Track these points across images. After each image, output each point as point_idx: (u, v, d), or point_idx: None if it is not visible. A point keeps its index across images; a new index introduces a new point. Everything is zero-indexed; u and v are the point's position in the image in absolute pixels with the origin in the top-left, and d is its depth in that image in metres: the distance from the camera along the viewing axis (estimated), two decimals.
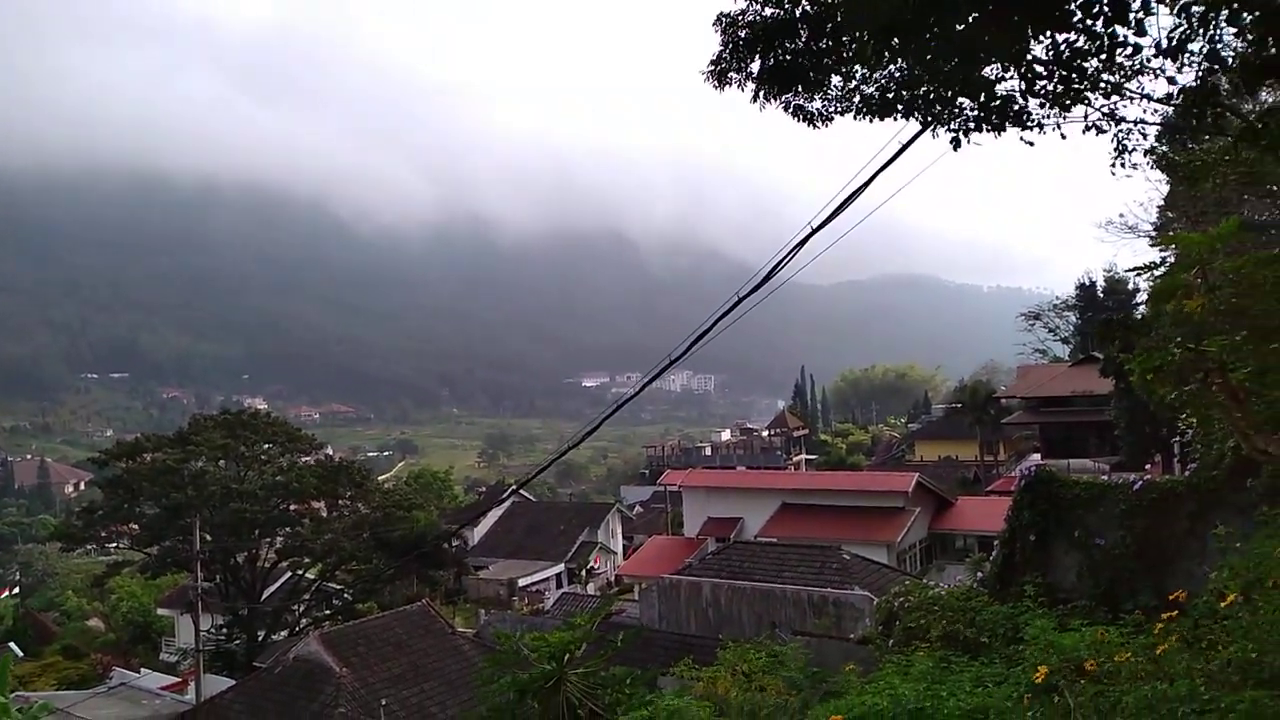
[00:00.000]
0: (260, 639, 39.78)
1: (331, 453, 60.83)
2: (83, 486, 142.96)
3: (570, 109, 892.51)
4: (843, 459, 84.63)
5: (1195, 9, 3.88)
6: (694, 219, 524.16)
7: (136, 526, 40.04)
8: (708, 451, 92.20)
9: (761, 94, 7.60)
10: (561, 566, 52.95)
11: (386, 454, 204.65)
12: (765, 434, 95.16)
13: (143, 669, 39.73)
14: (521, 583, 49.86)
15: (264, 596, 41.27)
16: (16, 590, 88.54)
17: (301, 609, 41.87)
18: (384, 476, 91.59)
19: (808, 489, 43.54)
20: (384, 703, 20.86)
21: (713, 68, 7.61)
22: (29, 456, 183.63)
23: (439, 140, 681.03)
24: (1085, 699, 5.25)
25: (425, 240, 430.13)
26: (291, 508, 40.75)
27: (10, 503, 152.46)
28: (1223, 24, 3.94)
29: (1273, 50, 3.70)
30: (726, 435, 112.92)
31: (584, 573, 52.45)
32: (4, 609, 69.73)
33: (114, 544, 43.95)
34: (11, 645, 45.03)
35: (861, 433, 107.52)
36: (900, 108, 6.87)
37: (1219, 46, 4.00)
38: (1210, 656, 5.79)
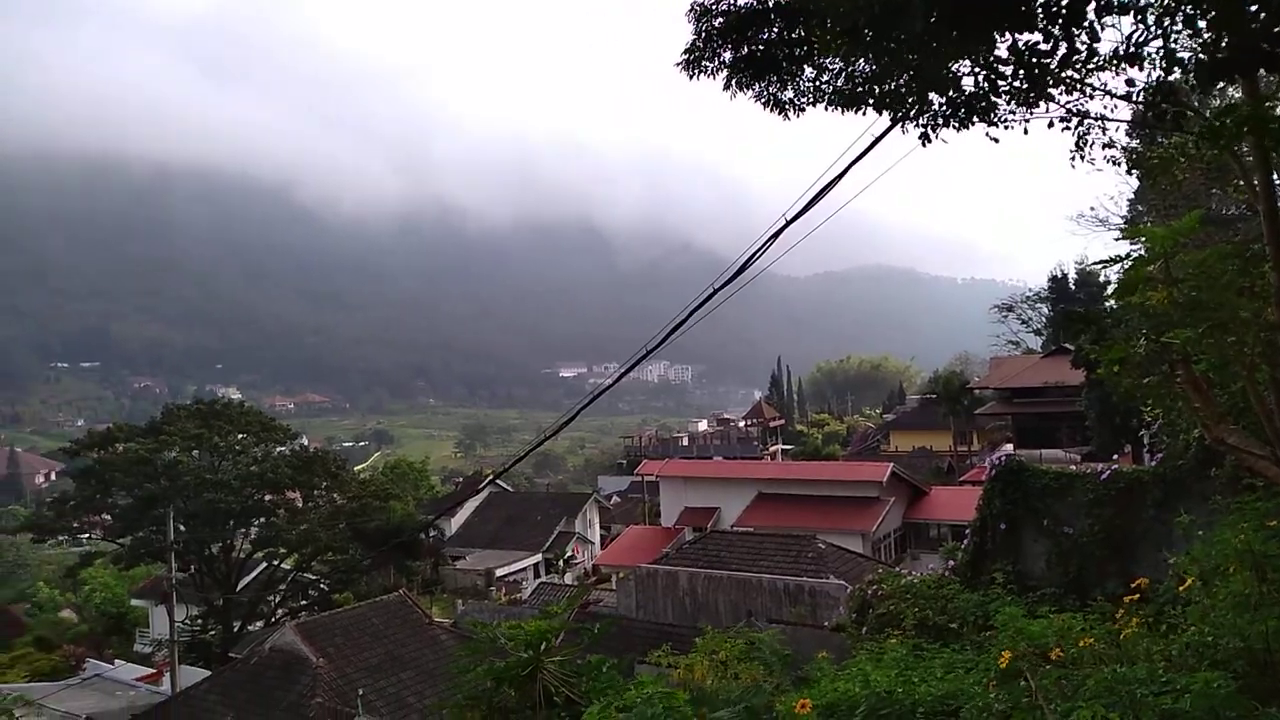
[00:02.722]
0: (236, 630, 39.66)
1: (307, 443, 60.53)
2: (53, 477, 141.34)
3: (531, 101, 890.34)
4: (818, 449, 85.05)
5: (1150, 14, 3.99)
6: (662, 210, 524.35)
7: (109, 517, 39.76)
8: (685, 442, 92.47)
9: (733, 83, 7.64)
10: (539, 556, 52.98)
11: (362, 444, 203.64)
12: (742, 424, 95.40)
13: (117, 660, 39.55)
14: (499, 573, 49.85)
15: (239, 587, 41.11)
16: None
17: (277, 599, 41.82)
18: (360, 467, 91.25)
19: (784, 479, 43.84)
20: (361, 692, 20.84)
21: (686, 57, 7.64)
22: None
23: (399, 128, 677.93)
24: (1049, 682, 5.38)
25: (392, 228, 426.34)
26: (267, 498, 40.63)
27: None
28: (1178, 27, 4.06)
29: (1225, 52, 3.82)
30: (704, 426, 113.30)
31: (561, 562, 52.53)
32: None
33: (86, 535, 43.66)
34: None
35: (837, 423, 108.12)
36: (870, 101, 6.94)
37: (1175, 48, 4.11)
38: (1170, 641, 5.94)
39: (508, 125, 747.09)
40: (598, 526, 59.55)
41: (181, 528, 36.03)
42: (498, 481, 57.54)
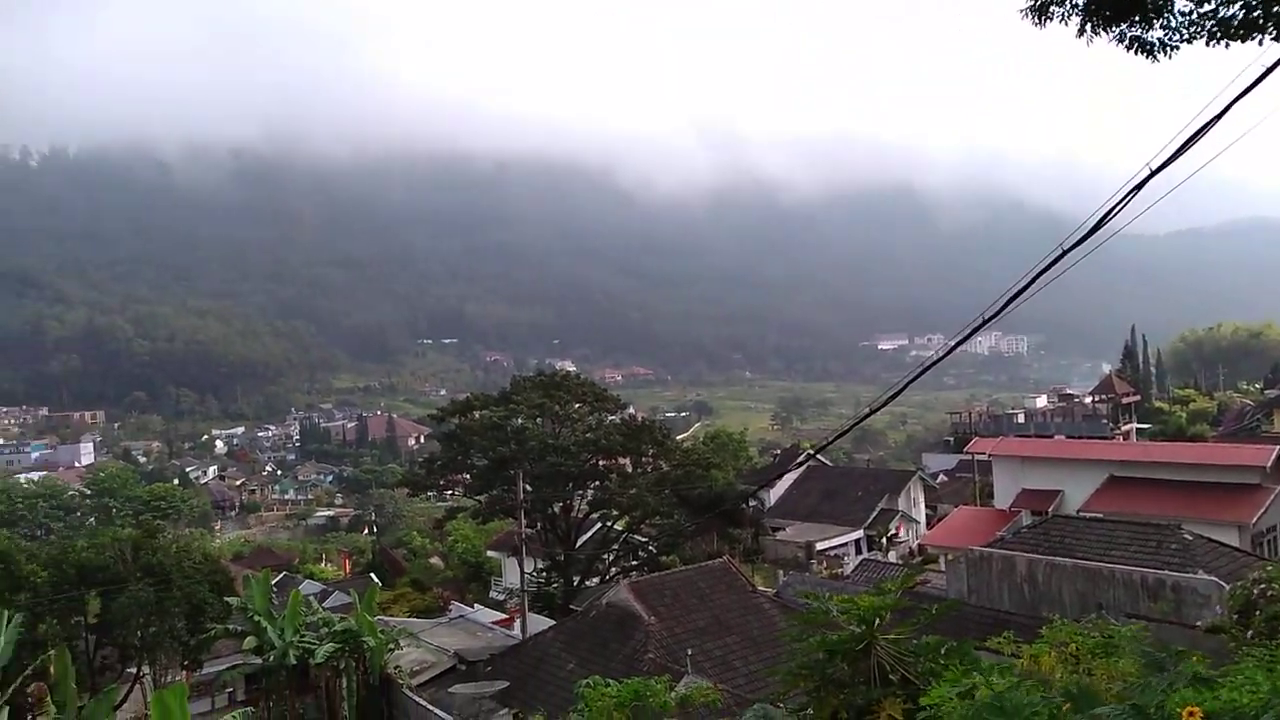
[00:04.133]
0: (575, 584, 42.56)
1: (634, 412, 63.47)
2: (422, 440, 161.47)
3: (837, 72, 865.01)
4: (1182, 428, 76.15)
5: None
6: (987, 170, 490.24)
7: (468, 476, 43.67)
8: (1020, 418, 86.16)
9: (1089, 27, 6.97)
10: (860, 533, 52.15)
11: (683, 415, 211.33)
12: (1088, 400, 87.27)
13: (476, 604, 44.17)
14: (819, 546, 49.73)
15: (578, 545, 43.92)
16: (373, 529, 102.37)
17: (611, 558, 44.19)
18: (682, 436, 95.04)
19: (1140, 461, 39.48)
20: (690, 653, 21.67)
21: (1033, 1, 7.07)
22: (379, 413, 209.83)
23: (709, 109, 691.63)
24: None
25: (706, 205, 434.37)
26: (600, 463, 42.64)
27: (365, 453, 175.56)
28: None
29: None
30: (1042, 401, 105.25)
31: (884, 540, 51.30)
32: (365, 545, 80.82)
33: (450, 491, 48.55)
34: (372, 576, 51.94)
35: (1206, 400, 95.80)
36: (1272, 26, 6.03)
37: None
38: None
39: (814, 97, 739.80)
40: (923, 505, 57.44)
41: (528, 488, 38.93)
42: (816, 455, 57.31)
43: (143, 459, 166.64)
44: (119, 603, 27.80)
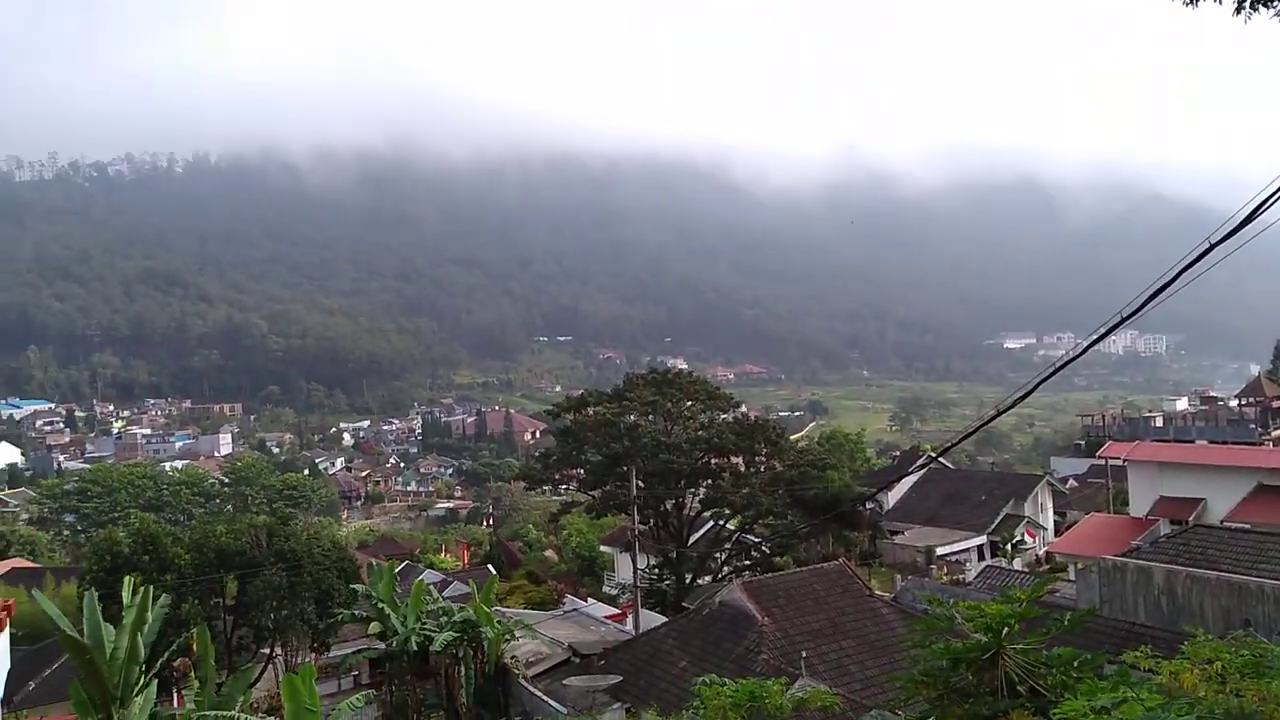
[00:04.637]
0: (687, 581, 42.56)
1: (747, 411, 63.01)
2: (538, 435, 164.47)
3: (957, 62, 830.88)
4: None
5: None
6: (1121, 159, 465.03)
7: (582, 471, 44.19)
8: (1158, 422, 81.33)
9: (1247, 4, 6.53)
10: (983, 538, 50.36)
11: (797, 414, 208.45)
12: (1234, 404, 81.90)
13: (589, 598, 44.69)
14: (940, 551, 48.30)
15: (690, 542, 43.92)
16: (491, 522, 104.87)
17: (723, 557, 43.99)
18: (796, 436, 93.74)
19: None
20: (804, 655, 21.34)
21: None
22: (497, 408, 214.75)
23: (819, 101, 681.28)
24: None
25: (821, 200, 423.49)
26: (712, 461, 42.53)
27: (484, 447, 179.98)
28: None
29: None
30: (1183, 404, 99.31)
31: (1009, 547, 49.44)
32: (483, 537, 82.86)
33: (565, 486, 49.30)
34: (489, 567, 53.14)
35: None
36: None
37: None
38: None
39: (934, 88, 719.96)
40: (1051, 511, 55.07)
41: (641, 484, 39.11)
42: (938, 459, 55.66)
43: (276, 450, 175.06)
44: (254, 586, 29.34)
